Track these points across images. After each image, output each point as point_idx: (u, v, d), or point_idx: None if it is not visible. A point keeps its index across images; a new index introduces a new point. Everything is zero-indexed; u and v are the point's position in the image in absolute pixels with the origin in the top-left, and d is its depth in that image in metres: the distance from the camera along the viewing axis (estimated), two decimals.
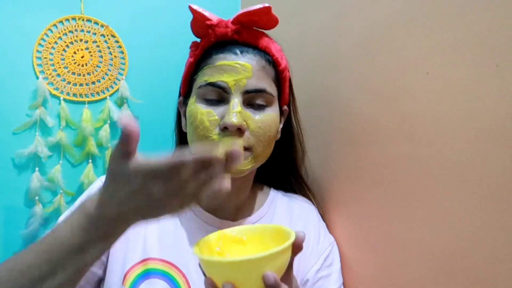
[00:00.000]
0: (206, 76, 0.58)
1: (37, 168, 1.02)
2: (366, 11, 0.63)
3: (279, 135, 0.65)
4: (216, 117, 0.57)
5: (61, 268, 0.43)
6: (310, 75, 0.80)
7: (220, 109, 0.57)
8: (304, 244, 0.65)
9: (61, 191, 1.04)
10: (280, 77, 0.62)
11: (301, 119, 0.72)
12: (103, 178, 0.64)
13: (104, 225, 0.43)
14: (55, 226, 0.47)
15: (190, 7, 0.60)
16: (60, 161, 1.05)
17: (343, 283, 0.67)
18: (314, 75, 0.79)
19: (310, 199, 0.75)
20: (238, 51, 0.58)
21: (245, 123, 0.56)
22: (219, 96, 0.58)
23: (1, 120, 1.01)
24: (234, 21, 0.59)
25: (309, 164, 0.77)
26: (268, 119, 0.59)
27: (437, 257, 0.48)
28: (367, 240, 0.63)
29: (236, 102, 0.56)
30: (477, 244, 0.43)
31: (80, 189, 1.07)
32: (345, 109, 0.69)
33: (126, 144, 0.42)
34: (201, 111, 0.57)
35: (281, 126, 0.66)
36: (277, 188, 0.74)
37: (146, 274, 0.59)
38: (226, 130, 0.55)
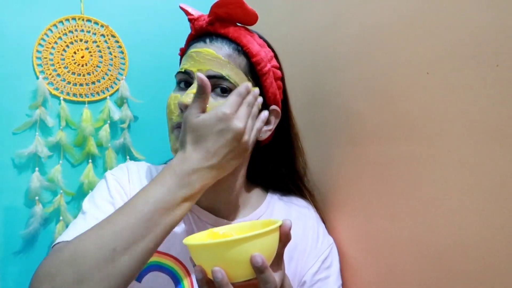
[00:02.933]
0: (181, 64, 0.62)
1: (37, 168, 1.02)
2: (366, 11, 0.63)
3: (264, 135, 0.63)
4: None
5: (154, 228, 0.47)
6: (310, 75, 0.80)
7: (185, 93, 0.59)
8: (302, 246, 0.65)
9: (61, 191, 1.04)
10: (255, 69, 0.61)
11: (302, 119, 0.71)
12: (114, 172, 0.66)
13: (198, 179, 0.50)
14: (142, 190, 0.50)
15: (180, 7, 0.65)
16: (60, 161, 1.05)
17: (343, 284, 0.67)
18: (314, 75, 0.79)
19: (308, 200, 0.74)
20: (207, 40, 0.60)
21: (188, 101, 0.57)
22: (188, 83, 0.60)
23: (1, 120, 1.01)
24: (210, 13, 0.61)
25: (310, 164, 0.77)
26: None
27: (437, 257, 0.48)
28: (367, 240, 0.63)
29: (195, 85, 0.56)
30: (478, 244, 0.43)
31: (80, 189, 1.07)
32: (345, 109, 0.69)
33: (204, 95, 0.53)
34: (170, 97, 0.60)
35: (270, 127, 0.63)
36: (275, 190, 0.73)
37: (150, 267, 0.60)
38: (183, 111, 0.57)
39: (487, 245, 0.42)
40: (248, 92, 0.56)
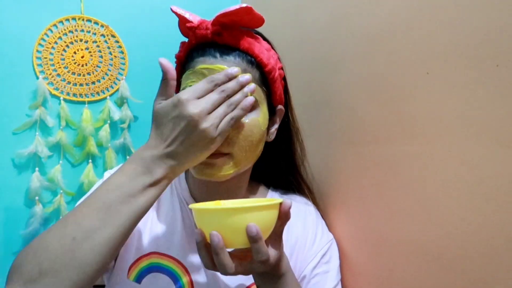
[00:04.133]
0: (187, 80, 0.57)
1: (37, 168, 1.02)
2: (366, 12, 0.63)
3: (272, 136, 0.64)
4: None
5: (116, 216, 0.47)
6: (310, 75, 0.80)
7: None
8: (302, 242, 0.66)
9: (61, 191, 1.04)
10: (267, 78, 0.60)
11: (302, 119, 0.72)
12: (111, 171, 0.65)
13: (157, 166, 0.49)
14: (105, 180, 0.50)
15: (171, 9, 0.59)
16: (60, 161, 1.05)
17: (343, 283, 0.67)
18: (314, 75, 0.80)
19: (309, 198, 0.75)
20: (217, 55, 0.56)
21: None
22: None
23: (1, 120, 1.01)
24: (214, 22, 0.57)
25: (309, 164, 0.77)
26: (249, 123, 0.56)
27: (436, 256, 0.48)
28: (367, 239, 0.63)
29: None
30: (477, 244, 0.43)
31: (80, 189, 1.07)
32: (345, 109, 0.69)
33: (166, 81, 0.52)
34: None
35: (276, 126, 0.64)
36: (276, 187, 0.74)
37: (150, 268, 0.60)
38: None
39: (487, 245, 0.42)
40: (228, 78, 0.52)
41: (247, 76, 0.53)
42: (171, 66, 0.52)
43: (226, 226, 0.45)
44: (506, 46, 0.39)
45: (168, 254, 0.61)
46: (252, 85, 0.54)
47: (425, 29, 0.50)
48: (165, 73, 0.52)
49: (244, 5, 0.55)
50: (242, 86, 0.53)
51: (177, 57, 0.62)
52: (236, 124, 0.54)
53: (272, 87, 0.61)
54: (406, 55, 0.53)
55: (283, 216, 0.49)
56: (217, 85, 0.52)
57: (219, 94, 0.51)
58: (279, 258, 0.51)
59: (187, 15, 0.58)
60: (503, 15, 0.39)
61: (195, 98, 0.50)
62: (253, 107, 0.57)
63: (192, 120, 0.49)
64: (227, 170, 0.57)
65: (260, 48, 0.59)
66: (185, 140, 0.49)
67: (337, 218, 0.72)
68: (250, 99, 0.53)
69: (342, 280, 0.67)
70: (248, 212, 0.45)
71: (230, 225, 0.45)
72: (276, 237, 0.50)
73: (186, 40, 0.63)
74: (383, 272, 0.58)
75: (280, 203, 0.49)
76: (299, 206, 0.71)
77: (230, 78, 0.52)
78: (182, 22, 0.60)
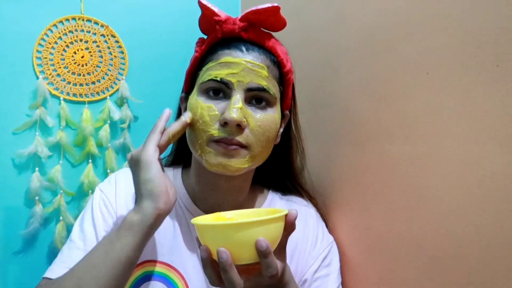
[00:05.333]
0: (210, 71, 0.58)
1: (37, 168, 1.02)
2: (366, 12, 0.63)
3: (278, 139, 0.65)
4: (217, 112, 0.56)
5: (98, 267, 0.50)
6: (310, 75, 0.80)
7: (221, 105, 0.57)
8: (302, 245, 0.66)
9: (61, 191, 1.04)
10: (284, 79, 0.62)
11: (303, 120, 0.71)
12: (103, 186, 0.66)
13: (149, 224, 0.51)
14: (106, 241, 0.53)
15: (199, 2, 0.60)
16: (60, 161, 1.05)
17: (344, 284, 0.67)
18: (315, 76, 0.80)
19: (308, 200, 0.74)
20: (244, 48, 0.58)
21: (245, 120, 0.56)
22: (221, 91, 0.57)
23: (1, 120, 1.01)
24: (242, 19, 0.58)
25: (310, 164, 0.77)
26: (268, 119, 0.58)
27: (437, 257, 0.48)
28: (367, 240, 0.63)
29: (238, 98, 0.55)
30: (477, 244, 0.43)
31: (80, 189, 1.07)
32: (346, 109, 0.69)
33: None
34: (201, 105, 0.57)
35: (281, 130, 0.65)
36: (275, 189, 0.73)
37: (145, 277, 0.60)
38: (226, 125, 0.55)
39: (487, 245, 0.42)
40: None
41: (167, 111, 0.60)
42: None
43: (234, 242, 0.44)
44: (506, 46, 0.39)
45: (162, 261, 0.61)
46: (167, 111, 0.60)
47: (425, 29, 0.50)
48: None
49: (275, 4, 0.57)
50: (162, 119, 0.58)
51: (198, 50, 0.62)
52: (157, 130, 0.57)
53: (286, 89, 0.63)
54: (406, 55, 0.53)
55: (289, 227, 0.49)
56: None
57: (151, 133, 0.57)
58: (284, 269, 0.50)
59: (215, 9, 0.59)
60: (503, 15, 0.39)
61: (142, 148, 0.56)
62: (272, 103, 0.59)
63: (129, 159, 0.56)
64: (243, 164, 0.57)
65: (281, 49, 0.61)
66: (135, 178, 0.55)
67: (336, 219, 0.72)
68: (166, 110, 0.60)
69: (342, 282, 0.67)
70: (256, 226, 0.44)
71: (238, 241, 0.44)
72: (281, 248, 0.49)
73: (196, 38, 0.64)
74: (383, 272, 0.58)
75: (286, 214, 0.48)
76: (299, 208, 0.70)
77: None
78: (208, 15, 0.60)
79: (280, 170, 0.72)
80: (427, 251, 0.50)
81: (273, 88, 0.58)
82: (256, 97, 0.58)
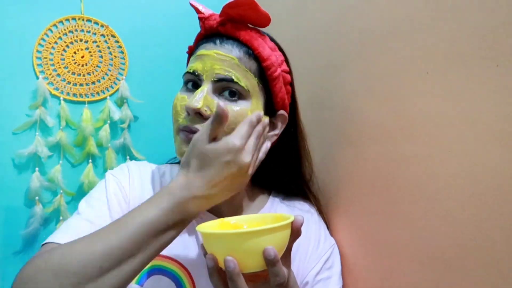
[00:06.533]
0: (189, 64, 0.61)
1: (37, 168, 1.02)
2: (366, 12, 0.63)
3: (272, 140, 0.62)
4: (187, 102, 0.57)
5: (144, 248, 0.46)
6: (310, 75, 0.80)
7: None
8: (304, 248, 0.65)
9: (61, 191, 1.04)
10: (265, 74, 0.60)
11: (303, 120, 0.71)
12: (114, 172, 0.65)
13: (193, 206, 0.49)
14: (136, 208, 0.49)
15: (190, 3, 0.62)
16: (60, 161, 1.05)
17: (344, 286, 0.67)
18: (315, 76, 0.79)
19: (311, 204, 0.74)
20: (218, 41, 0.59)
21: (207, 109, 0.56)
22: (195, 84, 0.59)
23: (1, 120, 1.01)
24: (221, 14, 0.60)
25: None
26: (237, 111, 0.56)
27: (438, 258, 0.48)
28: (368, 241, 0.63)
29: (204, 88, 0.56)
30: (477, 245, 0.43)
31: (80, 189, 1.07)
32: (346, 109, 0.69)
33: (218, 125, 0.51)
34: (177, 97, 0.59)
35: (276, 132, 0.63)
36: (277, 192, 0.73)
37: (152, 271, 0.60)
38: (189, 114, 0.56)
39: (487, 245, 0.42)
40: (258, 121, 0.55)
41: (266, 120, 0.58)
42: (226, 112, 0.51)
43: (242, 250, 0.43)
44: (506, 46, 0.39)
45: (170, 256, 0.60)
46: (267, 128, 0.58)
47: (425, 29, 0.50)
48: (220, 117, 0.50)
49: None
50: (264, 129, 0.57)
51: (189, 47, 0.65)
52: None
53: (271, 84, 0.61)
54: (406, 55, 0.53)
55: (295, 233, 0.48)
56: (254, 128, 0.54)
57: (256, 139, 0.54)
58: (289, 275, 0.50)
59: (200, 7, 0.62)
60: (503, 15, 0.39)
61: (244, 143, 0.52)
62: (243, 96, 0.58)
63: (245, 168, 0.51)
64: None
65: (261, 44, 0.60)
66: (230, 184, 0.51)
67: (338, 221, 0.72)
68: (268, 144, 0.59)
69: (343, 285, 0.66)
70: (264, 234, 0.43)
71: (245, 249, 0.43)
72: (287, 254, 0.49)
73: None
74: (385, 275, 0.58)
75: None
76: (301, 213, 0.70)
77: (259, 120, 0.55)
78: (197, 13, 0.63)
79: (286, 173, 0.71)
80: (428, 252, 0.50)
81: (245, 81, 0.57)
82: (227, 89, 0.57)
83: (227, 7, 0.58)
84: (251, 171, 0.53)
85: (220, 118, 0.50)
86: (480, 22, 0.42)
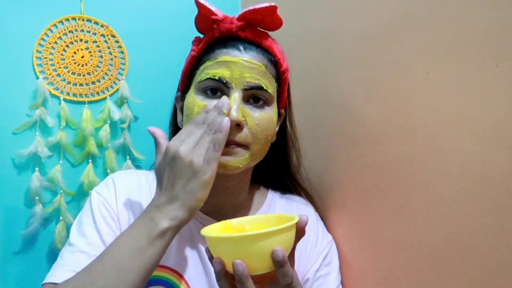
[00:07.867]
0: (208, 70, 0.58)
1: (37, 168, 1.02)
2: (366, 11, 0.63)
3: (274, 138, 0.65)
4: None
5: (127, 272, 0.47)
6: (310, 75, 0.80)
7: None
8: (303, 244, 0.66)
9: (61, 191, 1.04)
10: (280, 79, 0.62)
11: (301, 119, 0.72)
12: (100, 189, 0.64)
13: (161, 216, 0.49)
14: (117, 236, 0.51)
15: (196, 1, 0.60)
16: (60, 161, 1.05)
17: (342, 282, 0.67)
18: (314, 76, 0.80)
19: (307, 200, 0.75)
20: (241, 47, 0.58)
21: (244, 119, 0.56)
22: (219, 90, 0.58)
23: (1, 120, 1.01)
24: (240, 18, 0.59)
25: (309, 163, 0.77)
26: (266, 117, 0.58)
27: (436, 257, 0.48)
28: (366, 239, 0.63)
29: (236, 97, 0.55)
30: (477, 245, 0.43)
31: (80, 189, 1.07)
32: (345, 109, 0.69)
33: (158, 143, 0.55)
34: (198, 104, 0.57)
35: (276, 128, 0.65)
36: (275, 188, 0.74)
37: (149, 281, 0.59)
38: None
39: (487, 245, 0.42)
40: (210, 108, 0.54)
41: (224, 99, 0.54)
42: (158, 130, 0.56)
43: (250, 253, 0.43)
44: (506, 46, 0.39)
45: (164, 265, 0.60)
46: (224, 98, 0.54)
47: (425, 29, 0.50)
48: (156, 138, 0.55)
49: (272, 3, 0.57)
50: (221, 110, 0.53)
51: (195, 49, 0.62)
52: (220, 148, 0.51)
53: (282, 88, 0.63)
54: (406, 55, 0.53)
55: (299, 233, 0.48)
56: (195, 123, 0.53)
57: (201, 127, 0.52)
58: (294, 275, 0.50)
59: (213, 8, 0.59)
60: (503, 15, 0.39)
61: (181, 140, 0.52)
62: (269, 102, 0.59)
63: (178, 156, 0.50)
64: (242, 162, 0.57)
65: (278, 49, 0.62)
66: (179, 180, 0.50)
67: (336, 218, 0.72)
68: (225, 120, 0.52)
69: (341, 281, 0.67)
70: (272, 236, 0.43)
71: (254, 252, 0.43)
72: (291, 254, 0.50)
73: (201, 36, 0.64)
74: (382, 271, 0.58)
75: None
76: (299, 207, 0.71)
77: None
78: (205, 14, 0.60)
79: (278, 168, 0.72)
80: (426, 251, 0.50)
81: (271, 87, 0.59)
82: (254, 96, 0.58)
83: (248, 13, 0.58)
84: (192, 157, 0.50)
85: (156, 140, 0.56)
86: (480, 22, 0.42)
